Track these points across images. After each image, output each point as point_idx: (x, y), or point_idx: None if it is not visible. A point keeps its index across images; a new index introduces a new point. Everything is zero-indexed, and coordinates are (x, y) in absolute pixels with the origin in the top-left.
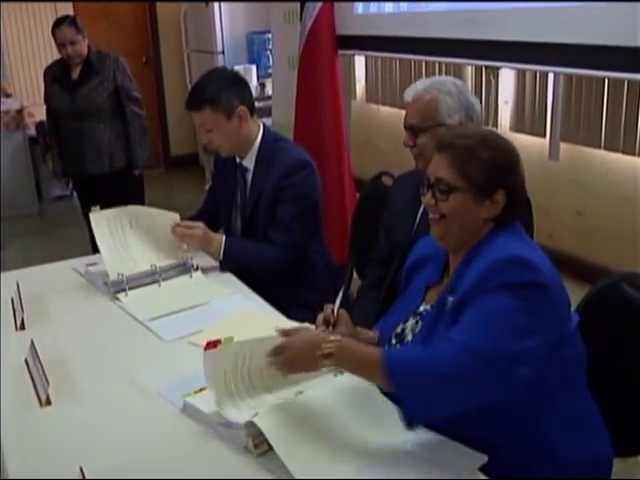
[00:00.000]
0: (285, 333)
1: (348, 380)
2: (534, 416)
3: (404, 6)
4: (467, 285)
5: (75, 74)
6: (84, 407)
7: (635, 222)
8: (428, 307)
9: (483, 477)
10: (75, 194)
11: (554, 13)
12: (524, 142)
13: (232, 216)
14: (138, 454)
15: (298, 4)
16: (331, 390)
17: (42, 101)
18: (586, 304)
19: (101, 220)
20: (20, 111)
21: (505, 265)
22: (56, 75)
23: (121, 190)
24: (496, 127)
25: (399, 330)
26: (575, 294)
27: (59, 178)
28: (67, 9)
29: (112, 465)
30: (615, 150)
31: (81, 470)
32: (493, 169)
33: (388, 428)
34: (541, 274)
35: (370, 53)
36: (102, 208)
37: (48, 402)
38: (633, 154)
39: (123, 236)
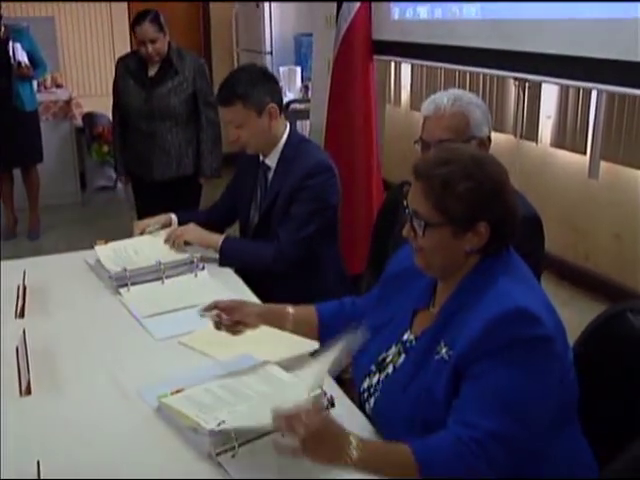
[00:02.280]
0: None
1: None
2: (521, 460)
3: (439, 13)
4: (467, 342)
5: (152, 71)
6: (60, 400)
7: None
8: (412, 338)
9: None
10: (119, 186)
11: (599, 27)
12: (564, 158)
13: (250, 212)
14: (99, 453)
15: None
16: None
17: (91, 93)
18: (589, 333)
19: (106, 250)
20: (68, 101)
21: (509, 320)
22: (131, 68)
23: (180, 196)
24: (536, 142)
25: (380, 359)
26: None
27: (120, 176)
28: (121, 4)
29: (69, 462)
30: None
31: (38, 465)
32: (472, 202)
33: None
34: (545, 326)
35: (406, 60)
36: (156, 211)
37: (28, 392)
38: None
39: (128, 258)
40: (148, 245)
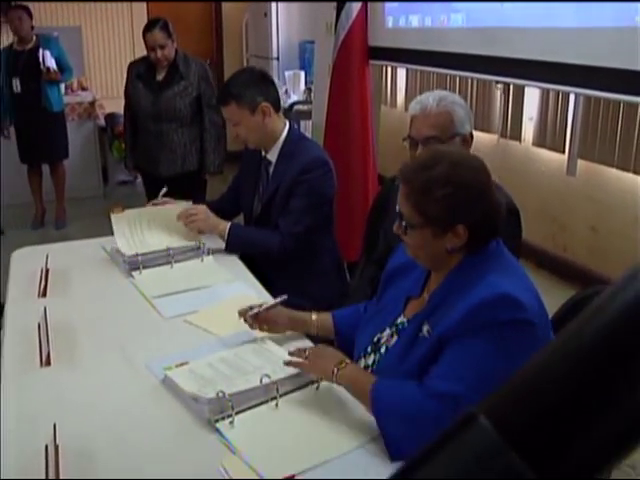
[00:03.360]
0: (301, 352)
1: (327, 393)
2: None
3: (429, 21)
4: (451, 322)
5: (160, 76)
6: (76, 371)
7: None
8: (405, 321)
9: None
10: (139, 179)
11: (577, 35)
12: (545, 157)
13: (253, 204)
14: (109, 418)
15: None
16: (308, 402)
17: (113, 95)
18: (561, 314)
19: (121, 220)
20: (92, 103)
21: (493, 304)
22: (141, 73)
23: (187, 190)
24: (520, 142)
25: (375, 339)
26: None
27: (129, 170)
28: (142, 9)
29: (83, 425)
30: (627, 169)
31: (54, 428)
32: (450, 206)
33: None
34: (527, 312)
35: (399, 64)
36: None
37: (48, 363)
38: None
39: (141, 235)
40: (161, 220)
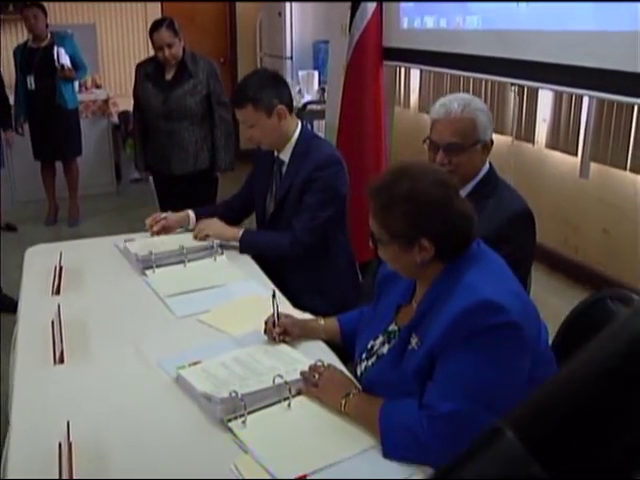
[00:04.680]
0: (312, 372)
1: None
2: None
3: (444, 22)
4: (438, 334)
5: (169, 75)
6: (89, 369)
7: None
8: (396, 329)
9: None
10: (150, 178)
11: (591, 39)
12: (558, 159)
13: (266, 203)
14: (122, 416)
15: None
16: (320, 403)
17: (126, 93)
18: (573, 317)
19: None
20: (106, 101)
21: (474, 312)
22: (149, 73)
23: (198, 189)
24: (533, 143)
25: (369, 346)
26: None
27: (140, 171)
28: (156, 8)
29: (96, 423)
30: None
31: (68, 425)
32: (411, 222)
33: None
34: (509, 314)
35: (413, 65)
36: (177, 203)
37: (61, 361)
38: None
39: (154, 246)
40: (173, 239)
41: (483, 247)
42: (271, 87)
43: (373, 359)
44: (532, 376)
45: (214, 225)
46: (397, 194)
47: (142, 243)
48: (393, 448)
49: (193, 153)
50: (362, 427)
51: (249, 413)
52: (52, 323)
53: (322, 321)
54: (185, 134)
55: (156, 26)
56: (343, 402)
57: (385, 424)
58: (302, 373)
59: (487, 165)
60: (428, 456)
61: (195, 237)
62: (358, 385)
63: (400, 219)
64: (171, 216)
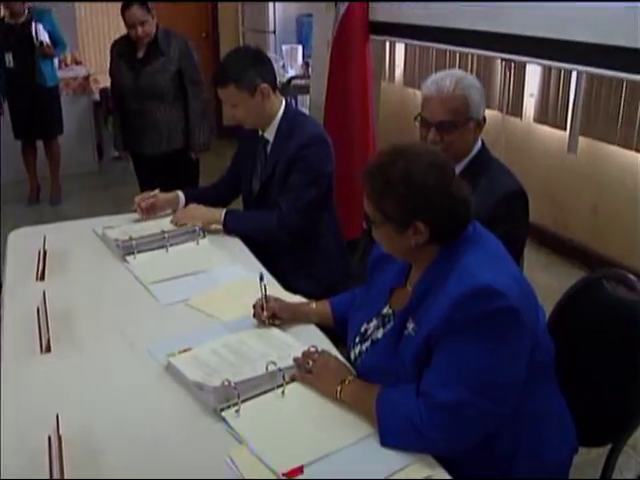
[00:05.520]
0: (306, 358)
1: None
2: (490, 424)
3: None
4: (436, 320)
5: (140, 53)
6: (77, 358)
7: None
8: (390, 312)
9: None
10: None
11: (580, 12)
12: (546, 134)
13: (252, 182)
14: (112, 407)
15: None
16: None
17: (107, 69)
18: (568, 298)
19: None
20: (87, 78)
21: (473, 298)
22: (122, 52)
23: (177, 170)
24: (520, 118)
25: (363, 330)
26: None
27: (119, 150)
28: None
29: (86, 414)
30: (629, 147)
31: (57, 418)
32: (406, 205)
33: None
34: (508, 298)
35: (400, 40)
36: (158, 185)
37: (48, 349)
38: None
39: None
40: (151, 224)
41: (479, 229)
42: (254, 66)
43: (367, 343)
44: (531, 360)
45: (197, 212)
46: (392, 176)
47: (122, 229)
48: (390, 436)
49: (166, 134)
50: (358, 414)
51: (243, 401)
52: (37, 310)
53: (313, 304)
54: (157, 114)
55: (127, 4)
56: (338, 389)
57: (382, 412)
58: (295, 360)
59: (479, 143)
60: (426, 444)
61: (175, 225)
62: (353, 371)
63: (394, 202)
64: (161, 196)
